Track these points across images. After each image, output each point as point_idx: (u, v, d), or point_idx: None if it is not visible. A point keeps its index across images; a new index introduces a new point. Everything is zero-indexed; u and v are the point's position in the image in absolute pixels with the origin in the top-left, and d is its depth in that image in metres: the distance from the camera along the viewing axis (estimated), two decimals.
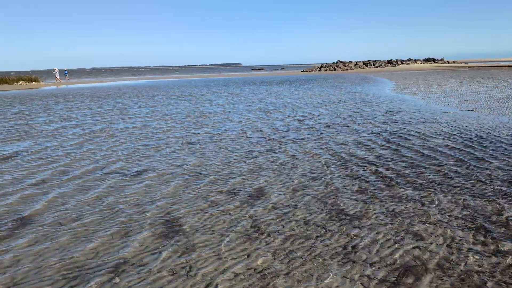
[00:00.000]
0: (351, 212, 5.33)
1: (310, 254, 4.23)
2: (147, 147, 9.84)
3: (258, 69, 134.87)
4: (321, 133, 11.08)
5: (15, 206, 5.88)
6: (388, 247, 4.32)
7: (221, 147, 9.62)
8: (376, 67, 79.61)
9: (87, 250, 4.45)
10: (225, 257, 4.21)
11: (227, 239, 4.64)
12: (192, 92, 29.50)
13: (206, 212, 5.46)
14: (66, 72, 66.27)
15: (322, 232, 4.74)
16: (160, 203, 5.85)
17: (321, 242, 4.48)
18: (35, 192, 6.52)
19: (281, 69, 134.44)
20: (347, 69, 76.03)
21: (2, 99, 26.66)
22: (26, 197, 6.28)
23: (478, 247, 4.27)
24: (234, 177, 7.06)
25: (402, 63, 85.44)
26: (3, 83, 46.03)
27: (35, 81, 49.49)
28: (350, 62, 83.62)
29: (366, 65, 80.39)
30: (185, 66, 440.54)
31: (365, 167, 7.49)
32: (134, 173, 7.48)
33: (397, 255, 4.14)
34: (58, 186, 6.80)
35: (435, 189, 6.18)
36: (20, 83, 47.29)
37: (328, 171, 7.30)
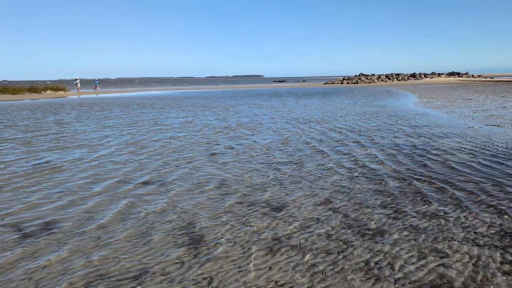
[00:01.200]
0: (374, 227, 5.26)
1: (332, 269, 4.19)
2: (178, 157, 9.95)
3: (280, 81, 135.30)
4: (344, 146, 11.01)
5: (40, 213, 6.02)
6: (412, 264, 4.24)
7: (245, 158, 9.65)
8: (399, 80, 78.85)
9: (110, 257, 4.51)
10: (246, 270, 4.20)
11: (249, 251, 4.63)
12: (221, 103, 29.77)
13: (226, 223, 5.48)
14: (97, 82, 68.42)
15: (345, 246, 4.69)
16: (184, 214, 5.90)
17: (343, 257, 4.44)
18: (75, 199, 6.66)
19: (303, 81, 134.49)
20: (370, 82, 75.54)
21: (35, 107, 27.43)
22: (64, 206, 6.43)
23: (506, 267, 4.15)
24: (257, 189, 7.07)
25: (426, 77, 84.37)
26: (32, 92, 47.45)
27: (62, 90, 50.89)
28: (373, 75, 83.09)
29: (389, 78, 79.73)
30: (208, 77, 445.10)
31: (389, 181, 7.40)
32: (161, 183, 7.56)
33: (421, 273, 4.06)
34: (88, 195, 6.93)
35: (460, 205, 6.05)
36: (48, 92, 48.67)
37: (351, 185, 7.24)
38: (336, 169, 8.47)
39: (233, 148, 11.03)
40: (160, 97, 41.56)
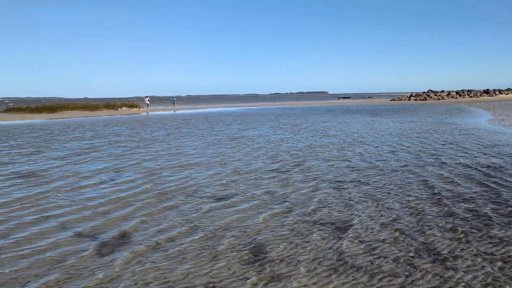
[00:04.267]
0: (444, 252, 5.05)
1: None
2: (250, 171, 10.18)
3: (344, 97, 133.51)
4: (412, 165, 10.65)
5: (115, 223, 6.43)
6: None
7: (310, 175, 9.66)
8: (471, 97, 74.69)
9: (178, 271, 4.71)
10: None
11: (313, 270, 4.64)
12: (303, 119, 30.05)
13: (292, 242, 5.51)
14: (175, 99, 72.51)
15: (412, 270, 4.55)
16: (247, 230, 6.03)
17: (411, 282, 4.31)
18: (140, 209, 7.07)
19: (368, 97, 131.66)
20: (439, 99, 72.27)
21: (120, 122, 29.29)
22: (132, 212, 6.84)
23: None
24: (321, 207, 7.05)
25: (501, 93, 79.15)
26: (109, 108, 50.89)
27: (136, 107, 54.00)
28: (442, 91, 79.51)
29: (460, 95, 75.83)
30: (272, 94, 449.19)
31: (460, 204, 7.05)
32: (228, 197, 7.77)
33: None
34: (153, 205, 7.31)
35: None
36: (123, 108, 51.87)
37: (419, 206, 6.99)
38: (402, 189, 8.22)
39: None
40: (236, 113, 42.65)
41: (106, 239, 5.77)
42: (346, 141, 16.03)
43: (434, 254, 4.98)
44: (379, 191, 8.07)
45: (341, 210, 6.86)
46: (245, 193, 8.14)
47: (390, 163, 11.08)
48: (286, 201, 7.48)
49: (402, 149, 13.63)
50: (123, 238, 5.81)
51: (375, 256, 4.96)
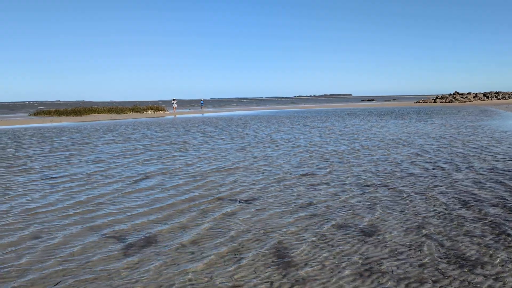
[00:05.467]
0: (473, 258, 4.94)
1: None
2: (273, 173, 10.21)
3: (368, 100, 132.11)
4: (437, 169, 10.45)
5: (143, 226, 6.54)
6: None
7: (334, 178, 9.60)
8: (499, 99, 72.65)
9: (203, 274, 4.76)
10: None
11: (337, 275, 4.61)
12: (320, 123, 29.94)
13: (316, 246, 5.50)
14: (202, 102, 73.11)
15: (440, 277, 4.47)
16: (273, 233, 6.03)
17: None
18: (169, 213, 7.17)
19: (393, 100, 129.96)
20: (465, 101, 70.59)
21: (149, 125, 29.81)
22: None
23: None
24: (345, 211, 7.00)
25: None
26: (135, 111, 51.84)
27: (161, 110, 54.82)
28: (469, 93, 77.59)
29: (487, 97, 73.85)
30: (295, 96, 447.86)
31: (488, 209, 6.88)
32: (252, 200, 7.81)
33: None
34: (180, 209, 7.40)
35: None
36: (149, 112, 52.71)
37: (446, 211, 6.86)
38: (430, 192, 8.08)
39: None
40: (263, 116, 42.77)
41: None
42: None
43: (463, 260, 4.88)
44: (403, 195, 7.95)
45: (366, 213, 6.79)
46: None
47: (415, 166, 10.91)
48: (308, 204, 7.45)
49: (427, 152, 13.39)
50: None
51: (401, 261, 4.89)
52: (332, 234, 5.90)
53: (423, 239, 5.61)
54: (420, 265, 4.77)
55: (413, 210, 6.94)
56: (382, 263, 4.87)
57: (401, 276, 4.50)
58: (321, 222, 6.44)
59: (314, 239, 5.72)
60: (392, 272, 4.62)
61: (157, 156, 13.96)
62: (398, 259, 4.96)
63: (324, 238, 5.76)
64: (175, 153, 14.63)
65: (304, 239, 5.72)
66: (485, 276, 4.45)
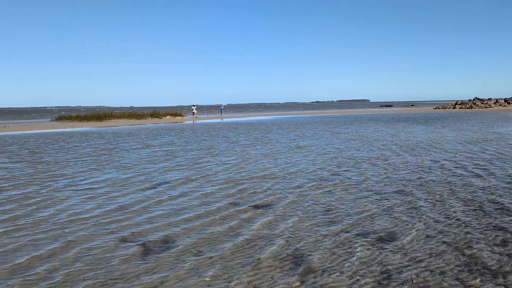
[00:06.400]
0: (494, 267, 4.87)
1: None
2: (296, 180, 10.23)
3: (386, 105, 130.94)
4: (456, 176, 10.32)
5: (160, 231, 6.62)
6: None
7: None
8: None
9: (221, 279, 4.80)
10: None
11: (356, 283, 4.61)
12: (343, 129, 29.85)
13: (334, 253, 5.50)
14: (222, 108, 73.37)
15: (461, 286, 4.43)
16: (289, 239, 6.05)
17: None
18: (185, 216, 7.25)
19: (411, 105, 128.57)
20: (486, 107, 69.31)
21: (170, 130, 30.17)
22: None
23: None
24: (363, 217, 6.97)
25: None
26: (154, 117, 52.56)
27: (179, 115, 55.44)
28: (489, 99, 76.22)
29: (508, 103, 72.36)
30: (313, 102, 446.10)
31: (510, 217, 6.78)
32: (290, 208, 7.86)
33: None
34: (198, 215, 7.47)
35: None
36: (167, 117, 53.36)
37: (466, 218, 6.78)
38: (450, 200, 7.99)
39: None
40: (283, 121, 42.87)
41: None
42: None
43: (483, 269, 4.82)
44: (421, 202, 7.88)
45: (383, 220, 6.76)
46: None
47: (432, 172, 10.79)
48: (326, 210, 7.45)
49: (445, 159, 13.23)
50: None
51: (420, 269, 4.86)
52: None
53: (443, 247, 5.56)
54: (440, 273, 4.74)
55: (455, 219, 6.88)
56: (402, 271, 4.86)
57: (421, 285, 4.48)
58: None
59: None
60: (412, 280, 4.60)
61: (185, 162, 13.92)
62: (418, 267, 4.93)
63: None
64: (203, 159, 14.71)
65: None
66: (506, 287, 4.39)
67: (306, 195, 8.71)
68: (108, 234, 6.43)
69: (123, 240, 6.18)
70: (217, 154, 15.69)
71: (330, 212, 7.35)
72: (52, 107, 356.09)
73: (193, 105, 61.78)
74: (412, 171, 11.19)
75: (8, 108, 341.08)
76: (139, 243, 6.02)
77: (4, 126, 39.84)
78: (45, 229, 6.72)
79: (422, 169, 11.45)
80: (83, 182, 10.58)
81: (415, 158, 13.56)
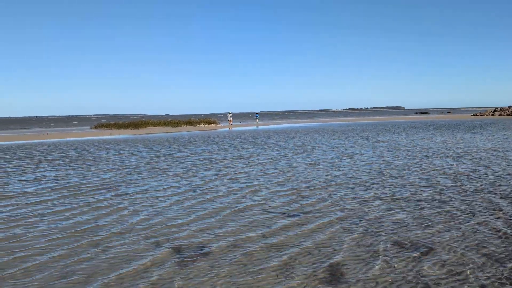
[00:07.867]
0: None
1: None
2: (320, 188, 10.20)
3: (422, 112, 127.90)
4: (494, 186, 9.99)
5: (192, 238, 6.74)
6: None
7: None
8: None
9: (255, 286, 4.85)
10: None
11: None
12: (386, 137, 29.42)
13: (369, 263, 5.44)
14: (257, 115, 73.06)
15: None
16: (323, 248, 6.01)
17: None
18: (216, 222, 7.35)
19: (448, 112, 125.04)
20: None
21: (211, 137, 30.59)
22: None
23: None
24: (398, 227, 6.86)
25: None
26: (189, 124, 53.54)
27: (213, 123, 56.18)
28: None
29: None
30: (346, 109, 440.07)
31: None
32: (302, 213, 7.84)
33: None
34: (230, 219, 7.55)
35: None
36: (202, 125, 54.18)
37: (508, 229, 6.54)
38: (486, 209, 7.74)
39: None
40: (318, 128, 42.71)
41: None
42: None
43: None
44: (459, 213, 7.67)
45: (421, 230, 6.63)
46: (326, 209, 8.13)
47: (475, 182, 10.48)
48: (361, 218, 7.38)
49: (484, 168, 12.80)
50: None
51: (459, 282, 4.74)
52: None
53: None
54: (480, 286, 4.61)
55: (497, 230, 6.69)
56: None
57: None
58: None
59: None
60: None
61: (229, 170, 13.88)
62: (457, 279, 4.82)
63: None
64: (249, 168, 14.72)
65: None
66: None
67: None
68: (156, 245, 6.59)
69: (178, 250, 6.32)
70: (260, 164, 15.73)
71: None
72: (91, 115, 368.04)
73: (229, 113, 61.87)
74: (462, 181, 10.88)
75: (53, 116, 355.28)
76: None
77: (47, 134, 41.50)
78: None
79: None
80: (130, 192, 10.91)
81: (464, 167, 13.18)
